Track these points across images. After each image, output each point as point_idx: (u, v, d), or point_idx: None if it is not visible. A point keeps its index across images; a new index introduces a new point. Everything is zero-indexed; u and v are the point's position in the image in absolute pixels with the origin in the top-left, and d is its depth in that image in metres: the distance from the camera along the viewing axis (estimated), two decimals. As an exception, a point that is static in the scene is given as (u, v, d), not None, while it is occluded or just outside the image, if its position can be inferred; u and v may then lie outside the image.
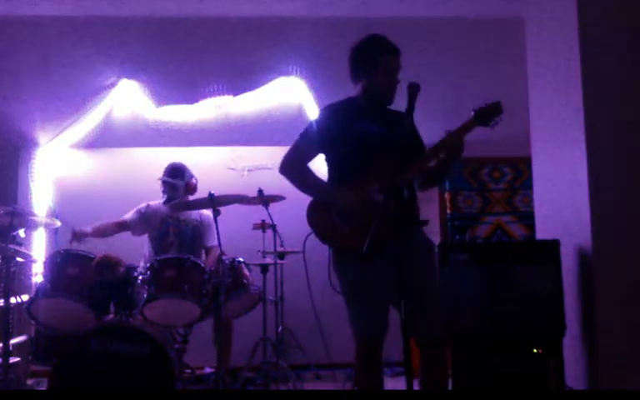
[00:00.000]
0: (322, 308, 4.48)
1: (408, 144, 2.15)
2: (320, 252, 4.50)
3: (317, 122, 2.34)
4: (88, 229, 3.56)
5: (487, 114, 2.17)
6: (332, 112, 2.35)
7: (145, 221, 3.76)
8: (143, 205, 3.82)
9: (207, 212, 3.82)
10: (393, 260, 2.05)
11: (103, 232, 3.69)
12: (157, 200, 3.84)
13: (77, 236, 3.47)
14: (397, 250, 2.06)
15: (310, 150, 2.33)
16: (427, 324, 2.14)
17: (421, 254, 2.23)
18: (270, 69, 4.48)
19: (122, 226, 3.78)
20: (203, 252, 3.82)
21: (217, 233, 3.13)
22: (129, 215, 3.79)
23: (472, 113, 2.19)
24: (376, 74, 2.27)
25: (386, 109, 2.34)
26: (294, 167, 2.32)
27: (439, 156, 2.24)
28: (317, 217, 2.24)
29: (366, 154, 2.19)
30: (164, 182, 3.77)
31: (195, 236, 3.78)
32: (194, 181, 3.85)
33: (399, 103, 2.27)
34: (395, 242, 2.06)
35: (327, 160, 2.36)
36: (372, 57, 2.28)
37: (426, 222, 2.22)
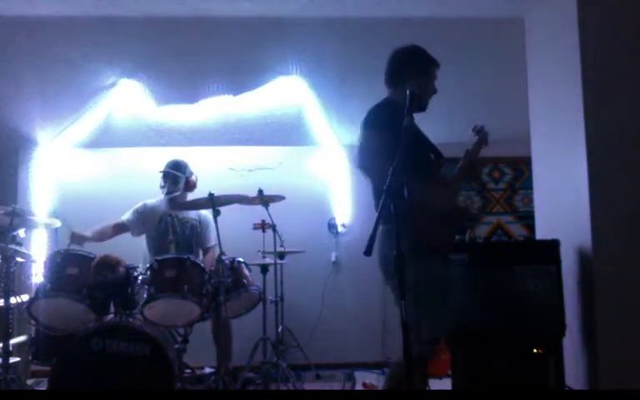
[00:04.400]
0: (323, 309, 4.50)
1: None
2: (320, 252, 4.50)
3: (382, 122, 2.29)
4: (87, 233, 3.54)
5: (483, 132, 2.52)
6: (393, 112, 2.30)
7: (143, 220, 3.76)
8: (140, 204, 3.81)
9: (206, 212, 3.82)
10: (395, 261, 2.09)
11: (102, 235, 3.67)
12: (155, 198, 3.84)
13: (76, 238, 3.46)
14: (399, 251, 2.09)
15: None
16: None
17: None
18: (270, 69, 4.48)
19: (120, 228, 3.76)
20: (200, 252, 3.82)
21: (217, 233, 3.13)
22: (126, 216, 3.78)
23: (475, 134, 2.52)
24: (425, 81, 2.42)
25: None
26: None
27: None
28: (425, 221, 2.20)
29: (429, 158, 2.36)
30: (166, 175, 3.77)
31: (193, 235, 3.78)
32: (194, 178, 3.86)
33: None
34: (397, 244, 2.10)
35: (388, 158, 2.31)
36: (425, 64, 2.44)
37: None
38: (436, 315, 2.19)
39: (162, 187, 3.78)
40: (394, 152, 2.24)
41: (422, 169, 2.29)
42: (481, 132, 2.57)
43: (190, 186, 3.82)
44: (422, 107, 2.45)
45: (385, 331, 4.45)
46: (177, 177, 3.75)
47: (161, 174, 3.80)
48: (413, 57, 2.44)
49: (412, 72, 2.41)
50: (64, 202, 4.48)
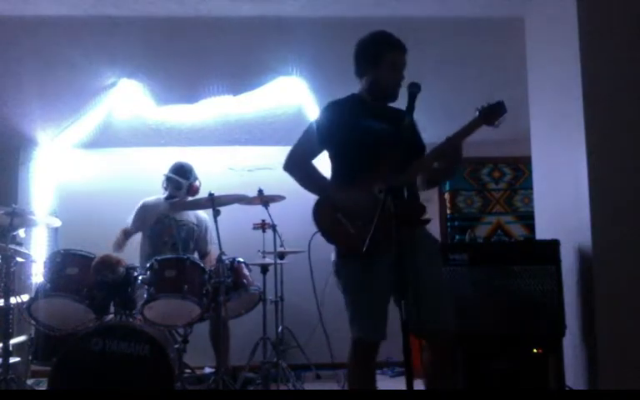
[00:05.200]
0: (323, 308, 4.49)
1: (410, 143, 2.13)
2: (320, 251, 4.47)
3: (321, 118, 2.33)
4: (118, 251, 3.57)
5: (492, 113, 2.16)
6: (336, 108, 2.33)
7: (142, 218, 3.76)
8: (139, 205, 3.81)
9: (204, 215, 3.82)
10: (394, 261, 2.04)
11: (119, 247, 3.69)
12: (154, 196, 3.83)
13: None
14: (399, 251, 2.05)
15: (314, 146, 2.31)
16: (434, 320, 2.13)
17: (423, 253, 2.18)
18: (270, 69, 4.48)
19: (129, 233, 3.77)
20: (196, 254, 3.81)
21: (217, 233, 3.12)
22: (131, 223, 3.78)
23: (477, 113, 2.17)
24: (381, 69, 2.26)
25: (387, 106, 2.32)
26: (297, 164, 2.31)
27: (440, 159, 2.23)
28: (323, 216, 2.21)
29: (371, 152, 2.15)
30: (169, 179, 3.76)
31: (189, 238, 3.78)
32: (197, 183, 3.84)
33: (400, 102, 2.28)
34: (397, 243, 2.04)
35: (331, 157, 2.34)
36: (379, 52, 2.28)
37: (427, 221, 2.20)
38: (356, 317, 2.19)
39: (165, 189, 3.78)
40: (321, 149, 2.29)
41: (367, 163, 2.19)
42: (484, 111, 2.18)
43: (193, 191, 3.80)
44: (388, 97, 2.31)
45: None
46: (180, 183, 3.74)
47: (163, 177, 3.79)
48: (367, 47, 2.32)
49: (367, 62, 2.30)
50: (64, 202, 4.49)
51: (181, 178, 3.74)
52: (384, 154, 2.14)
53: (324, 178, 2.29)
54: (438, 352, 2.22)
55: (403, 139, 2.08)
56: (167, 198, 3.75)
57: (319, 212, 2.24)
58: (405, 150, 2.08)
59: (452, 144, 2.16)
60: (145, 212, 3.77)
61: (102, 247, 3.28)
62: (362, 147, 2.20)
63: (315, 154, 2.33)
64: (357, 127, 2.23)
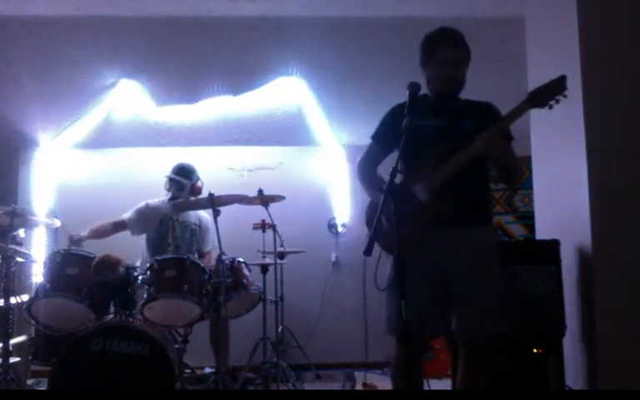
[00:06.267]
0: (323, 309, 4.50)
1: (449, 139, 2.16)
2: (320, 252, 4.48)
3: (380, 122, 2.37)
4: (85, 233, 3.56)
5: (547, 93, 2.09)
6: (393, 111, 2.35)
7: (144, 220, 3.76)
8: (142, 204, 3.81)
9: (206, 216, 3.82)
10: (431, 261, 2.09)
11: (101, 234, 3.69)
12: (158, 198, 3.83)
13: (75, 242, 3.47)
14: (433, 252, 2.09)
15: (374, 150, 2.37)
16: (464, 324, 2.14)
17: (456, 255, 2.14)
18: (270, 69, 4.49)
19: (119, 226, 3.76)
20: (196, 254, 3.81)
21: (217, 233, 3.12)
22: (127, 214, 3.78)
23: (526, 95, 2.10)
24: (433, 66, 2.27)
25: (456, 101, 2.31)
26: (359, 169, 2.39)
27: (481, 156, 2.18)
28: (369, 216, 2.26)
29: (416, 150, 2.11)
30: (171, 180, 3.76)
31: (192, 239, 3.78)
32: (200, 184, 3.83)
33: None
34: (429, 244, 2.08)
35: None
36: (429, 50, 2.30)
37: (462, 221, 2.15)
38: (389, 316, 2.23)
39: (168, 191, 3.78)
40: (383, 152, 2.34)
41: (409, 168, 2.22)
42: (532, 94, 2.10)
43: (195, 191, 3.79)
44: (445, 93, 2.29)
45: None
46: (182, 184, 3.74)
47: (166, 178, 3.79)
48: (420, 46, 2.34)
49: (421, 61, 2.33)
50: (64, 202, 4.48)
51: (183, 179, 3.74)
52: (428, 152, 2.16)
53: (374, 180, 2.32)
54: (465, 361, 2.20)
55: (449, 134, 2.13)
56: (170, 199, 3.75)
57: (367, 213, 2.29)
58: (449, 147, 2.12)
59: (488, 139, 2.08)
60: (148, 213, 3.76)
61: (102, 248, 3.28)
62: (408, 146, 2.12)
63: (377, 157, 2.37)
64: (408, 127, 2.16)
